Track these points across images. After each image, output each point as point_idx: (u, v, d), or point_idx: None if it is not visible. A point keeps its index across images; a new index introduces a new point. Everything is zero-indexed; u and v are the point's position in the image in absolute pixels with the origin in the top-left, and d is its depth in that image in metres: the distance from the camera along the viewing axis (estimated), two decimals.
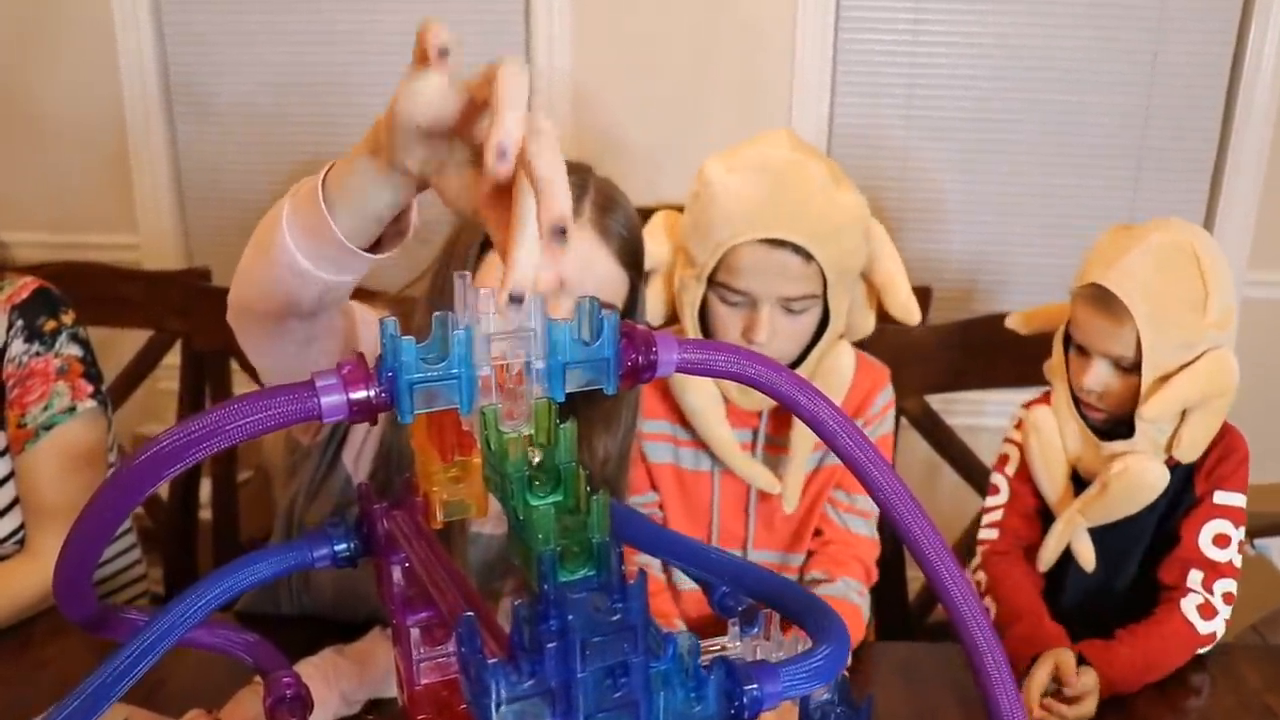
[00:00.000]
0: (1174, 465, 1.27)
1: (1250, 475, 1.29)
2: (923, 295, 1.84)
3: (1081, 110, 2.38)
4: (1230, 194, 2.42)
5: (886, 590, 1.57)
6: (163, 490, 1.75)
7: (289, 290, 0.85)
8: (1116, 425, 1.28)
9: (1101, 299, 1.21)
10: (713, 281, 1.23)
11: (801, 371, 1.24)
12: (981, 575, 1.34)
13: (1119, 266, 1.20)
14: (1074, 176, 2.43)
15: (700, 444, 1.33)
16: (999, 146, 2.41)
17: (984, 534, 1.37)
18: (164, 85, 2.52)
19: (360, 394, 0.50)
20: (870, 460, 0.60)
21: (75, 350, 1.31)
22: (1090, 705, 1.13)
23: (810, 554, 1.36)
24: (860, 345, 1.48)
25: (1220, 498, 1.25)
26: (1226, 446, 1.27)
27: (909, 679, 1.22)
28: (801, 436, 1.28)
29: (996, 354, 1.57)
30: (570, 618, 0.45)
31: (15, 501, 1.30)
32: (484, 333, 0.52)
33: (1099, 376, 1.24)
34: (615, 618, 0.46)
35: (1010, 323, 1.43)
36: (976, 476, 1.64)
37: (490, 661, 0.44)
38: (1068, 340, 1.30)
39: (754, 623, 0.69)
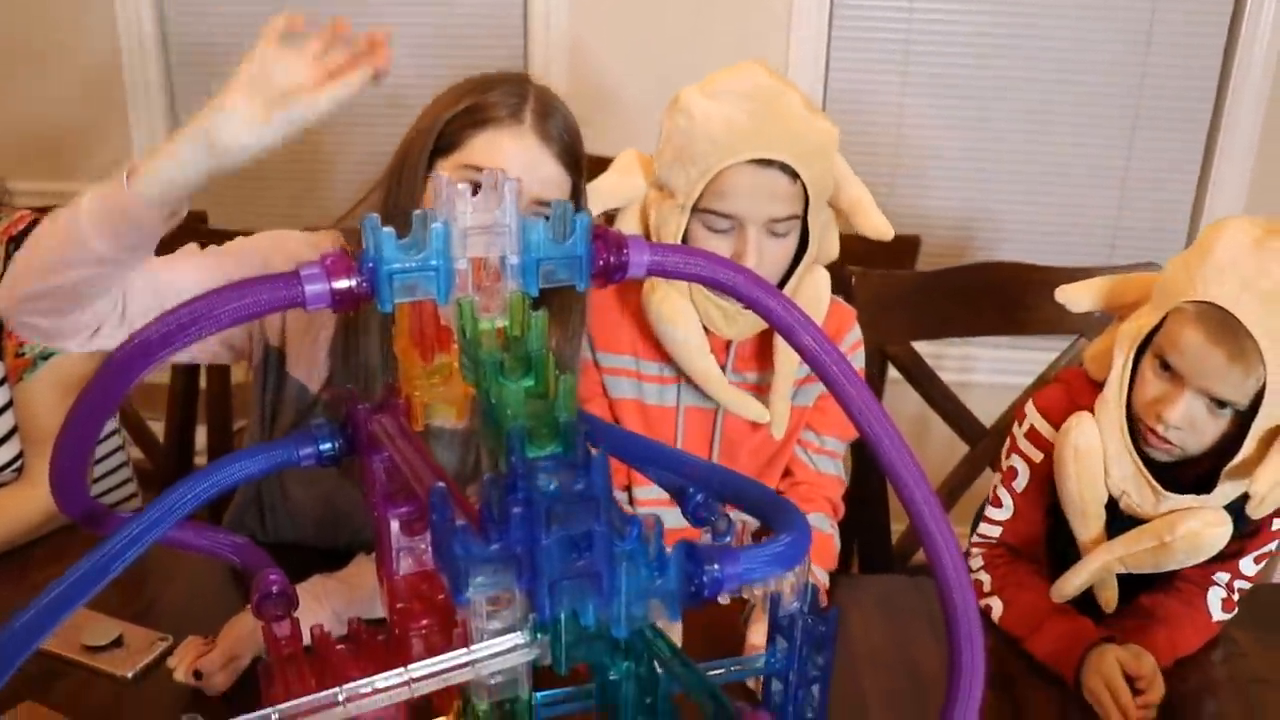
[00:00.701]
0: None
1: None
2: (911, 244, 1.87)
3: (1077, 67, 2.38)
4: (1226, 151, 2.43)
5: (869, 533, 1.60)
6: (160, 434, 1.78)
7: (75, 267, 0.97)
8: (1178, 466, 1.11)
9: (1224, 327, 1.00)
10: (697, 209, 1.23)
11: None
12: (984, 576, 1.25)
13: (1258, 290, 0.98)
14: (1069, 134, 2.44)
15: (665, 379, 1.33)
16: (994, 104, 2.42)
17: (985, 530, 1.28)
18: (161, 35, 2.53)
19: (343, 283, 0.53)
20: (838, 367, 0.62)
21: None
22: (1161, 687, 1.08)
23: (779, 494, 1.35)
24: (846, 289, 1.50)
25: (1278, 524, 1.16)
26: None
27: (887, 610, 1.25)
28: (785, 359, 1.28)
29: (983, 301, 1.59)
30: (536, 487, 0.47)
31: (14, 430, 1.32)
32: (461, 227, 0.54)
33: (1187, 413, 1.04)
34: (579, 488, 0.48)
35: (1063, 297, 1.22)
36: (965, 428, 1.66)
37: (459, 524, 0.47)
38: (1143, 347, 1.09)
39: (726, 533, 0.72)
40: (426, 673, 0.61)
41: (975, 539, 1.30)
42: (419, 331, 0.62)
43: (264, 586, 0.72)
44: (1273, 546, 1.19)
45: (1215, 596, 1.19)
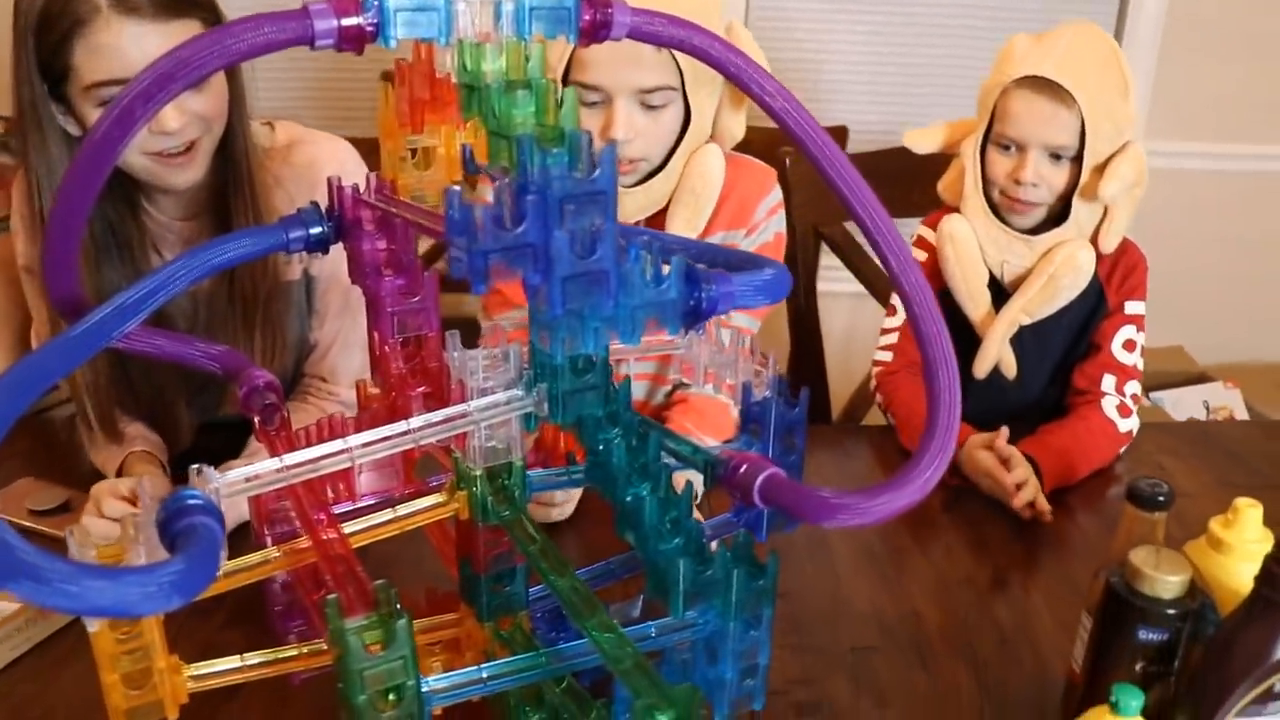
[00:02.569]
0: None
1: (1146, 338, 1.34)
2: (839, 134, 1.92)
3: None
4: (1132, 35, 2.53)
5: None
6: None
7: None
8: (1040, 226, 1.30)
9: (1044, 88, 1.24)
10: (567, 82, 1.17)
11: (667, 175, 1.19)
12: (879, 396, 1.37)
13: (1056, 58, 1.24)
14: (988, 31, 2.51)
15: None
16: (910, 16, 2.47)
17: (879, 355, 1.40)
18: None
19: (352, 20, 0.55)
20: (801, 118, 0.66)
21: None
22: (1025, 466, 1.16)
23: (671, 405, 1.34)
24: (781, 170, 1.54)
25: (1130, 307, 1.31)
26: (1130, 260, 1.32)
27: (838, 454, 1.31)
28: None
29: (910, 183, 1.64)
30: (548, 183, 0.50)
31: None
32: None
33: (1037, 168, 1.26)
34: (588, 187, 0.51)
35: (910, 141, 1.41)
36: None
37: (479, 213, 0.49)
38: (983, 150, 1.31)
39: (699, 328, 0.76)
40: (428, 424, 0.64)
41: (873, 362, 1.41)
42: (409, 95, 0.65)
43: (250, 381, 0.74)
44: (1135, 332, 1.31)
45: (1110, 405, 1.28)
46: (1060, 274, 1.27)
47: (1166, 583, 0.73)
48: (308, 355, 1.23)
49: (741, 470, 0.62)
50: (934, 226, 1.38)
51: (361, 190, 0.70)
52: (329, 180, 0.71)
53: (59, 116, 1.04)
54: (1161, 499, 0.78)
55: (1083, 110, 1.23)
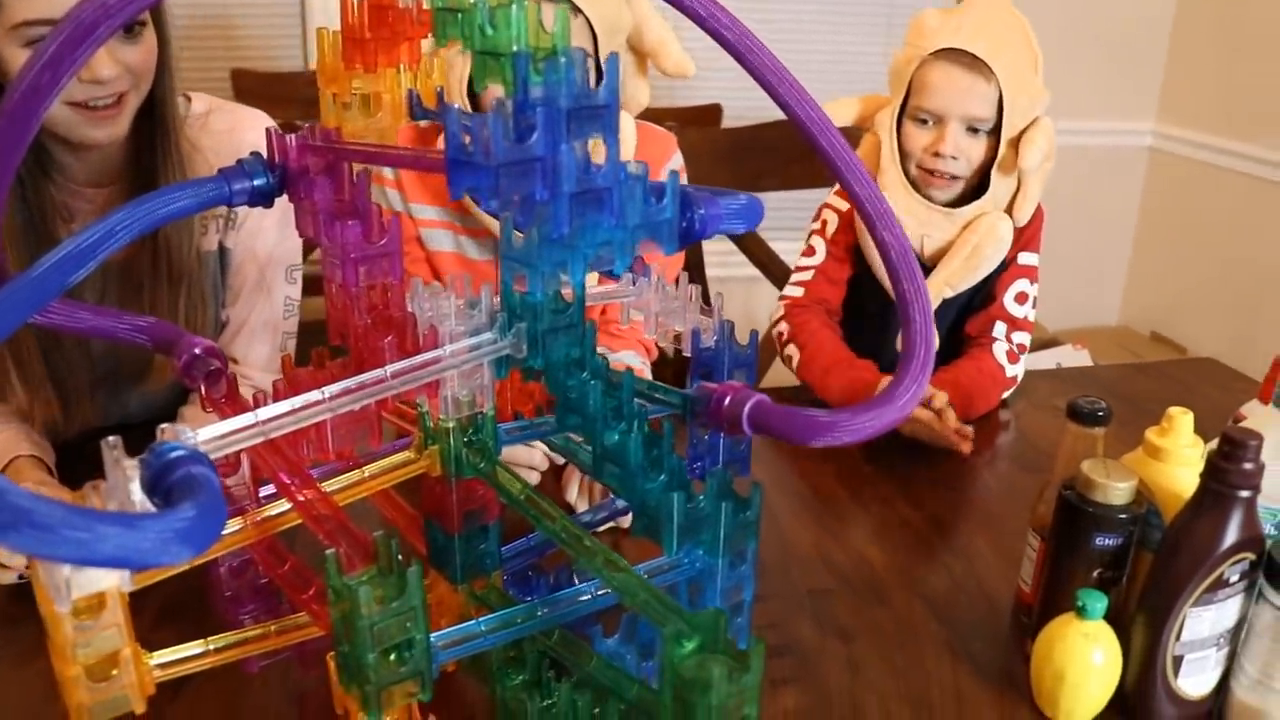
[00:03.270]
0: None
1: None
2: (713, 112, 1.95)
3: None
4: None
5: None
6: None
7: None
8: (957, 200, 1.32)
9: (962, 60, 1.24)
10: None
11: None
12: (784, 326, 1.38)
13: (969, 30, 1.25)
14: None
15: (482, 231, 1.28)
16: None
17: (789, 290, 1.42)
18: None
19: None
20: (753, 44, 0.66)
21: None
22: (943, 395, 1.21)
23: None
24: None
25: (1024, 258, 1.35)
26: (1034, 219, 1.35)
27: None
28: None
29: (789, 156, 1.69)
30: (555, 97, 0.49)
31: None
32: None
33: (955, 142, 1.26)
34: (593, 100, 0.50)
35: (832, 110, 1.37)
36: (779, 275, 1.76)
37: (487, 123, 0.47)
38: (898, 125, 1.32)
39: (645, 273, 0.75)
40: (407, 368, 0.61)
41: (782, 295, 1.42)
42: (357, 31, 0.62)
43: (188, 350, 0.69)
44: (1028, 284, 1.35)
45: (1000, 350, 1.32)
46: (983, 244, 1.29)
47: (1117, 489, 0.76)
48: (218, 336, 1.17)
49: (728, 400, 0.62)
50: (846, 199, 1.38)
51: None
52: (267, 130, 0.68)
53: None
54: (1101, 414, 0.82)
55: (1000, 83, 1.24)
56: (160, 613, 0.83)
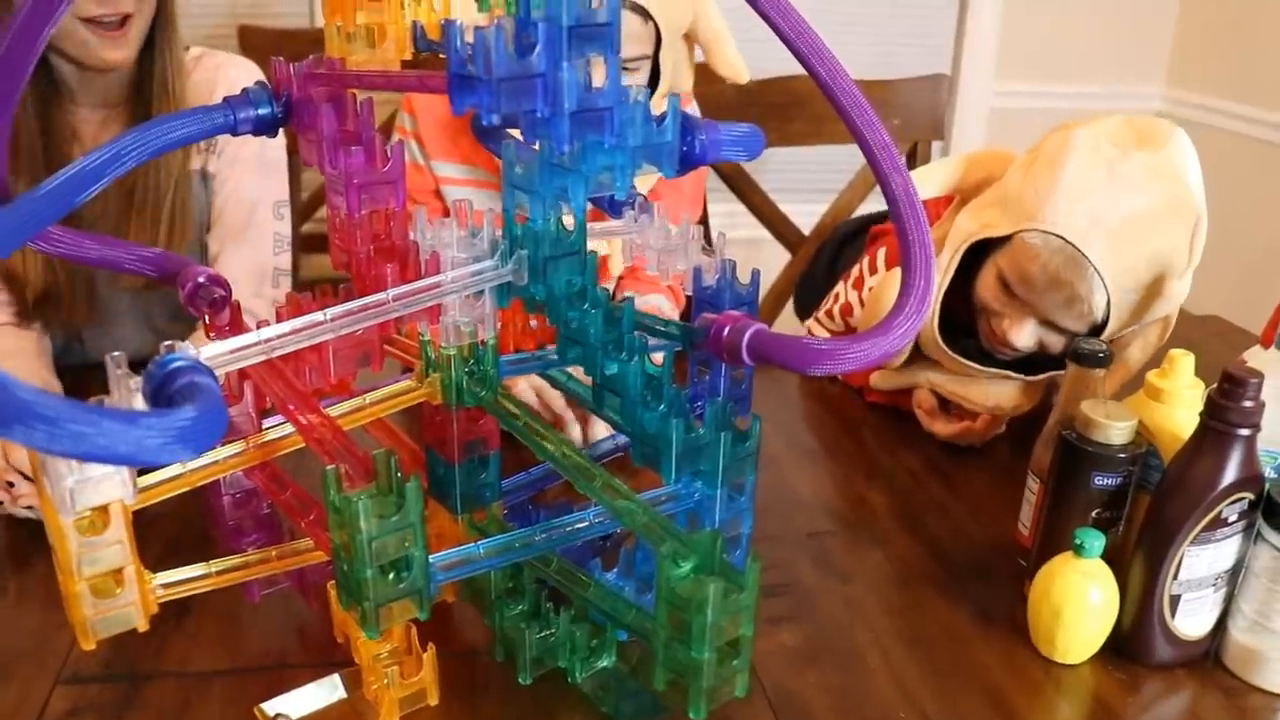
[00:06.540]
0: None
1: None
2: None
3: None
4: (976, 9, 2.64)
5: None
6: None
7: None
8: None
9: (1071, 263, 0.93)
10: None
11: None
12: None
13: (1105, 226, 0.92)
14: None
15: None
16: None
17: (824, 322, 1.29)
18: None
19: None
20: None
21: None
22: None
23: (619, 280, 1.38)
24: None
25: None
26: None
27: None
28: None
29: (791, 112, 1.68)
30: (557, 13, 0.49)
31: None
32: None
33: (1029, 337, 1.01)
34: (594, 17, 0.50)
35: (921, 177, 1.08)
36: (787, 234, 1.76)
37: (491, 36, 0.47)
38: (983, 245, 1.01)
39: (648, 210, 0.75)
40: (409, 291, 0.62)
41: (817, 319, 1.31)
42: None
43: (192, 277, 0.70)
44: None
45: None
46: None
47: (1117, 428, 0.76)
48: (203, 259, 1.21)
49: (727, 331, 0.62)
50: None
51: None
52: (271, 60, 0.68)
53: None
54: (1101, 355, 0.82)
55: (1113, 305, 0.96)
56: (166, 546, 0.84)
